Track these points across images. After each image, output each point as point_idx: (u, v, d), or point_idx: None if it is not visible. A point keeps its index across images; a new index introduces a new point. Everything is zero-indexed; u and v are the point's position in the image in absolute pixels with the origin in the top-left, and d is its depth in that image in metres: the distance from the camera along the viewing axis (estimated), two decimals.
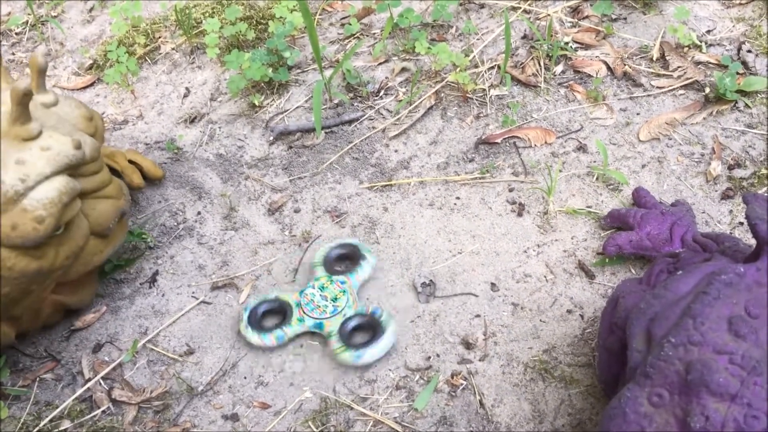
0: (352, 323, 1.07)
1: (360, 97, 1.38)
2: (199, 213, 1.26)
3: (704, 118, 1.27)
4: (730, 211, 1.15)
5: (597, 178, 1.22)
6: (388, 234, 1.20)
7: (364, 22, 1.50)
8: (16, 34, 1.63)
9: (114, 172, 1.21)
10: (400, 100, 1.36)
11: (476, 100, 1.35)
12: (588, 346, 1.04)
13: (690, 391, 0.69)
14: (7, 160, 0.92)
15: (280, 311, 1.09)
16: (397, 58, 1.43)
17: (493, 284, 1.12)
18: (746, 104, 1.27)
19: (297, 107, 1.39)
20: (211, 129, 1.38)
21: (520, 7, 1.47)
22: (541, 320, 1.08)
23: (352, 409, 1.02)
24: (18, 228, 0.91)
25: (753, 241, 1.04)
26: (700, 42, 1.37)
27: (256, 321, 1.08)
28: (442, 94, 1.36)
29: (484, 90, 1.36)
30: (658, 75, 1.34)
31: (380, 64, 1.43)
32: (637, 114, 1.29)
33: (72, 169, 0.98)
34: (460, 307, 1.10)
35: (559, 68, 1.37)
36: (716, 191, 1.18)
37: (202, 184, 1.30)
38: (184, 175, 1.32)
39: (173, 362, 1.09)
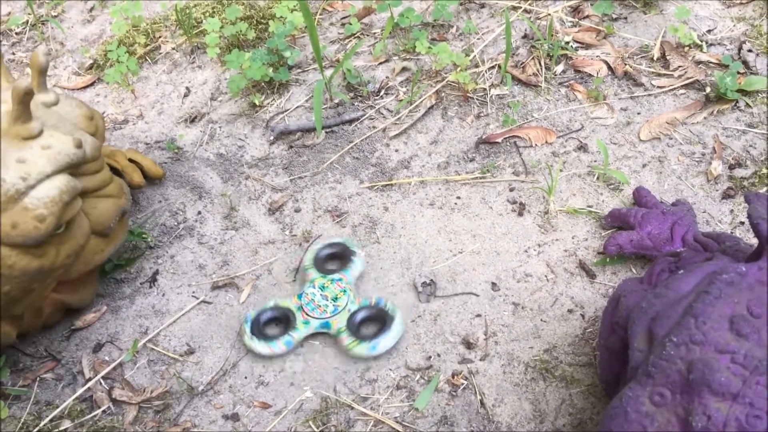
0: (360, 316, 1.07)
1: (360, 96, 1.38)
2: (199, 212, 1.26)
3: (705, 118, 1.27)
4: (731, 211, 1.15)
5: (598, 178, 1.22)
6: (389, 233, 1.20)
7: (364, 22, 1.50)
8: (17, 33, 1.63)
9: (114, 171, 1.21)
10: (401, 100, 1.36)
11: (477, 99, 1.35)
12: (589, 345, 1.04)
13: (692, 391, 0.69)
14: (8, 158, 0.92)
15: (282, 318, 1.09)
16: (397, 58, 1.43)
17: (493, 284, 1.12)
18: (747, 104, 1.27)
19: (297, 107, 1.39)
20: (212, 128, 1.38)
21: (521, 7, 1.47)
22: (541, 320, 1.07)
23: (352, 408, 1.02)
24: (19, 226, 0.91)
25: (754, 241, 1.04)
26: (701, 41, 1.37)
27: (260, 330, 1.08)
28: (443, 94, 1.36)
29: (484, 89, 1.36)
30: (659, 74, 1.34)
31: (381, 63, 1.43)
32: (638, 113, 1.29)
33: (73, 168, 0.98)
34: (460, 307, 1.10)
35: (559, 68, 1.37)
36: (717, 191, 1.18)
37: (202, 184, 1.30)
38: (184, 174, 1.32)
39: (174, 362, 1.09)
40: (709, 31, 1.39)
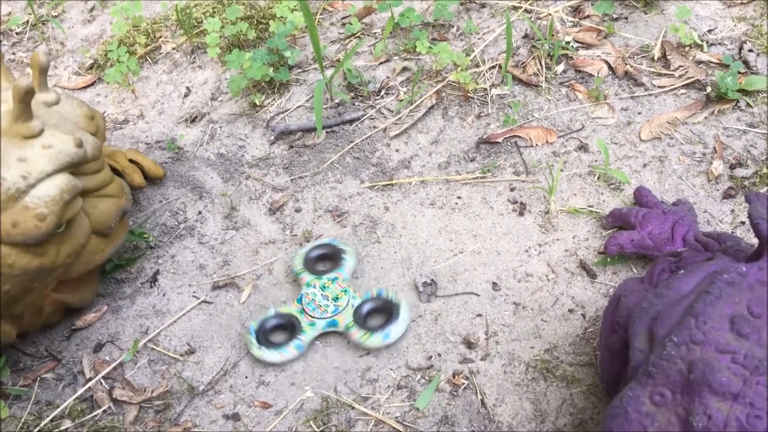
0: (365, 309, 1.07)
1: (361, 96, 1.38)
2: (200, 212, 1.26)
3: (706, 118, 1.27)
4: (732, 211, 1.15)
5: (598, 178, 1.22)
6: (389, 233, 1.20)
7: (365, 22, 1.50)
8: (17, 33, 1.63)
9: (115, 171, 1.21)
10: (401, 100, 1.36)
11: (477, 99, 1.35)
12: (590, 345, 1.04)
13: (692, 391, 0.69)
14: (9, 157, 0.92)
15: (287, 324, 1.09)
16: (398, 58, 1.43)
17: (494, 284, 1.12)
18: (748, 103, 1.27)
19: (298, 107, 1.39)
20: (212, 128, 1.38)
21: (521, 7, 1.47)
22: (542, 320, 1.07)
23: (353, 408, 1.01)
24: (19, 225, 0.91)
25: (755, 241, 1.04)
26: (702, 41, 1.37)
27: (267, 339, 1.07)
28: (443, 94, 1.36)
29: (485, 89, 1.36)
30: (660, 74, 1.34)
31: (381, 63, 1.43)
32: (639, 113, 1.29)
33: (73, 168, 0.98)
34: (461, 307, 1.10)
35: (560, 68, 1.37)
36: (718, 190, 1.18)
37: (203, 184, 1.30)
38: (184, 174, 1.32)
39: (174, 362, 1.09)
40: (709, 31, 1.39)
